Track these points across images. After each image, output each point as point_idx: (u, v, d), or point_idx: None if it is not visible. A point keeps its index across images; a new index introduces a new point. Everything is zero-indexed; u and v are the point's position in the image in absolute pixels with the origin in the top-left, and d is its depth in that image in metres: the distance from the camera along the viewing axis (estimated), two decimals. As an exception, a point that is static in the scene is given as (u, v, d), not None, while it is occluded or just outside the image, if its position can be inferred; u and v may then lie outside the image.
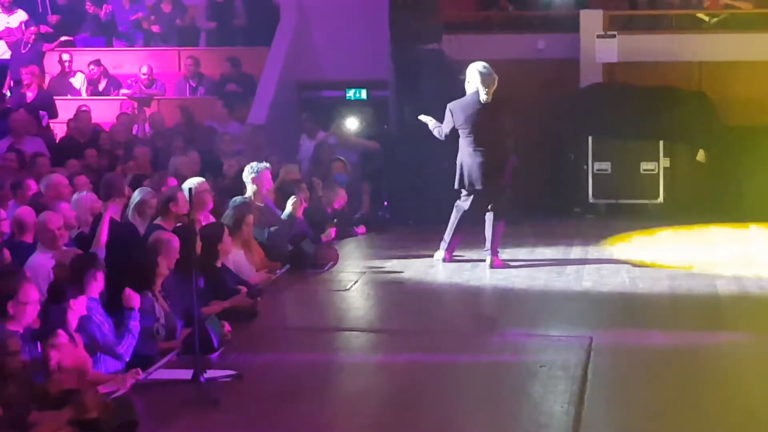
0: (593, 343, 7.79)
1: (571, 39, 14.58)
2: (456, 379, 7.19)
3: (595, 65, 14.40)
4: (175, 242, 8.00)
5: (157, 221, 9.04)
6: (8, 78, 15.08)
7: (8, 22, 15.45)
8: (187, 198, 7.26)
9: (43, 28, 15.92)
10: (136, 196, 9.40)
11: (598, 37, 14.38)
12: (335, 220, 11.89)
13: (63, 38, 15.76)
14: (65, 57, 15.40)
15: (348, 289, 9.80)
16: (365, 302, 9.48)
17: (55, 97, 14.68)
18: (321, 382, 7.20)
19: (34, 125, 13.10)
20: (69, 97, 15.12)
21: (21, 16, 15.57)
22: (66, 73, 15.35)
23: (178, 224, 8.88)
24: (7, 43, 15.44)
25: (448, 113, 10.32)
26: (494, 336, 8.11)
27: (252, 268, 9.59)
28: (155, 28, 16.15)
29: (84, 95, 15.26)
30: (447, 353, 7.72)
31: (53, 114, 14.10)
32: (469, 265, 10.40)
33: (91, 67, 15.31)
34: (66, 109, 14.37)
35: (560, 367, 7.24)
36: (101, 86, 15.32)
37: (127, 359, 7.11)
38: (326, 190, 12.33)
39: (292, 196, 10.83)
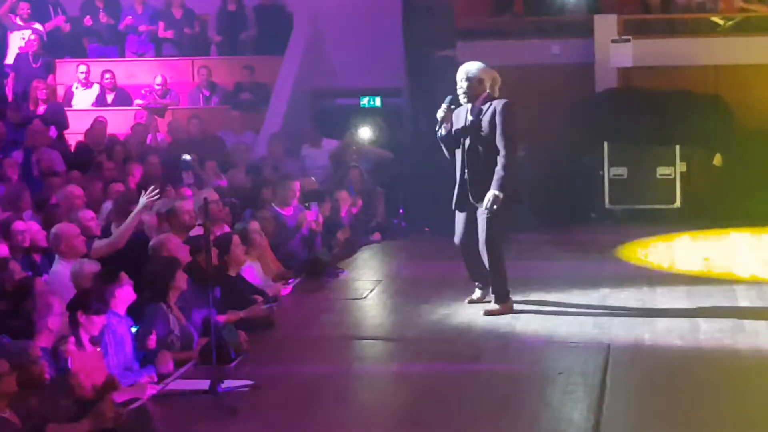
0: (611, 350, 7.75)
1: (585, 44, 14.54)
2: (474, 387, 7.15)
3: (609, 70, 14.35)
4: (183, 255, 8.00)
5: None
6: (10, 89, 15.03)
7: (23, 38, 15.42)
8: (204, 209, 7.25)
9: (56, 37, 15.93)
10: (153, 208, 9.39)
11: (613, 41, 14.34)
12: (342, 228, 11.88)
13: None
14: (82, 68, 15.39)
15: (364, 298, 9.77)
16: (382, 311, 9.45)
17: (67, 109, 14.69)
18: (338, 391, 7.18)
19: (48, 137, 13.09)
20: (82, 108, 15.12)
21: (38, 28, 15.58)
22: (82, 84, 15.34)
23: (193, 235, 8.87)
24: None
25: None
26: (511, 343, 8.06)
27: (267, 279, 9.58)
28: (168, 35, 16.09)
29: (98, 106, 15.24)
30: (464, 361, 7.68)
31: (64, 126, 14.10)
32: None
33: (107, 75, 15.30)
34: (78, 119, 14.38)
35: (579, 374, 7.21)
36: (110, 98, 15.31)
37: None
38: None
39: (305, 211, 10.93)
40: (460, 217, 8.98)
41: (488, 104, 8.78)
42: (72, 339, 6.49)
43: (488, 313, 8.80)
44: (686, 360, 7.57)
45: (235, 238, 8.97)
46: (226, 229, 9.73)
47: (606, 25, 14.48)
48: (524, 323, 8.62)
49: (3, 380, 5.50)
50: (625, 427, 6.38)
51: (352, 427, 6.58)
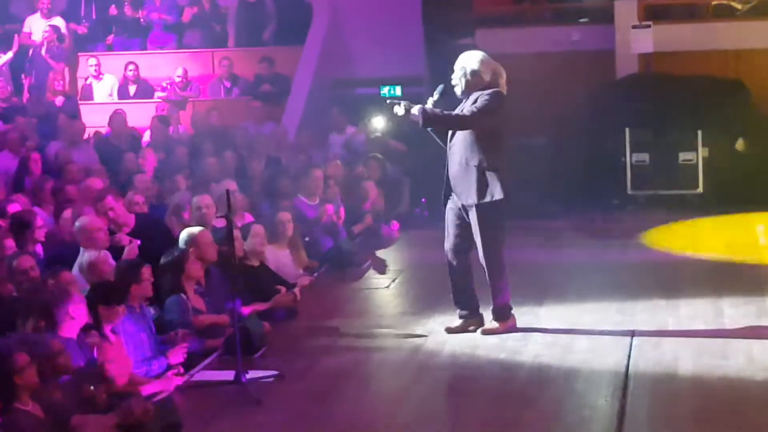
0: (635, 337, 7.74)
1: (605, 30, 14.49)
2: (497, 374, 7.15)
3: (630, 56, 14.30)
4: (206, 240, 8.04)
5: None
6: (26, 81, 15.10)
7: (44, 30, 15.47)
8: (226, 200, 7.27)
9: (81, 30, 16.01)
10: (173, 199, 9.42)
11: (633, 27, 14.28)
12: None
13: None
14: (92, 61, 15.41)
15: (387, 287, 9.79)
16: (404, 300, 9.45)
17: (86, 102, 14.77)
18: (361, 381, 7.20)
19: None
20: (98, 100, 15.18)
21: (58, 22, 15.63)
22: (93, 77, 15.39)
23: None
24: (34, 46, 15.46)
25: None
26: (535, 331, 8.05)
27: (297, 269, 9.60)
28: (187, 32, 16.14)
29: (116, 98, 15.30)
30: (488, 350, 7.67)
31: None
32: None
33: (131, 67, 15.34)
34: (96, 112, 14.44)
35: (603, 362, 7.19)
36: (132, 90, 15.35)
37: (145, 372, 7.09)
38: (358, 187, 12.35)
39: (326, 203, 10.96)
40: (449, 221, 8.11)
41: (479, 92, 7.90)
42: (95, 332, 6.53)
43: (486, 332, 7.93)
44: (711, 345, 7.54)
45: (254, 229, 8.97)
46: (248, 219, 9.76)
47: (626, 10, 14.42)
48: (548, 309, 8.61)
49: (24, 373, 5.52)
50: (649, 413, 6.37)
51: (376, 416, 6.60)
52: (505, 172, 7.95)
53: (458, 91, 8.00)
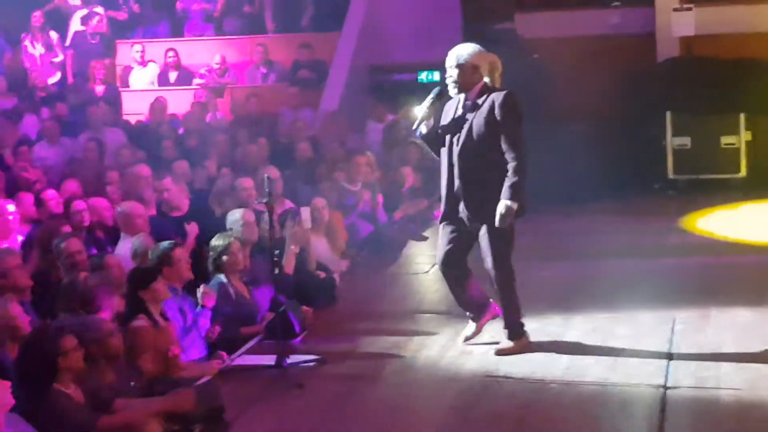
0: (676, 322, 7.68)
1: (646, 13, 14.37)
2: (540, 360, 7.12)
3: (671, 39, 14.17)
4: (250, 220, 8.10)
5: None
6: (69, 69, 15.22)
7: (81, 17, 15.57)
8: (266, 186, 7.28)
9: (120, 16, 16.11)
10: (216, 185, 9.46)
11: (674, 10, 14.15)
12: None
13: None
14: (137, 48, 15.51)
15: (426, 272, 9.77)
16: (444, 285, 9.38)
17: (126, 90, 14.85)
18: (401, 365, 7.19)
19: (112, 117, 13.26)
20: (138, 87, 15.26)
21: (98, 9, 15.72)
22: (138, 63, 15.47)
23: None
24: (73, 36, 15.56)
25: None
26: (576, 316, 8.02)
27: (334, 256, 9.60)
28: (225, 19, 16.21)
29: (156, 85, 15.37)
30: (530, 334, 7.62)
31: (117, 110, 14.28)
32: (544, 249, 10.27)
33: (170, 54, 15.40)
34: (137, 99, 14.53)
35: (644, 348, 7.14)
36: (173, 77, 15.42)
37: (187, 356, 7.11)
38: (395, 172, 12.34)
39: (363, 189, 10.95)
40: (444, 232, 7.36)
41: (485, 96, 7.17)
42: (142, 316, 6.57)
43: (500, 352, 7.27)
44: (753, 330, 7.46)
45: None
46: (288, 204, 9.78)
47: (667, -7, 14.30)
48: (588, 295, 8.56)
49: (70, 356, 5.55)
50: (691, 399, 6.33)
51: (417, 401, 6.60)
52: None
53: (453, 90, 7.27)
